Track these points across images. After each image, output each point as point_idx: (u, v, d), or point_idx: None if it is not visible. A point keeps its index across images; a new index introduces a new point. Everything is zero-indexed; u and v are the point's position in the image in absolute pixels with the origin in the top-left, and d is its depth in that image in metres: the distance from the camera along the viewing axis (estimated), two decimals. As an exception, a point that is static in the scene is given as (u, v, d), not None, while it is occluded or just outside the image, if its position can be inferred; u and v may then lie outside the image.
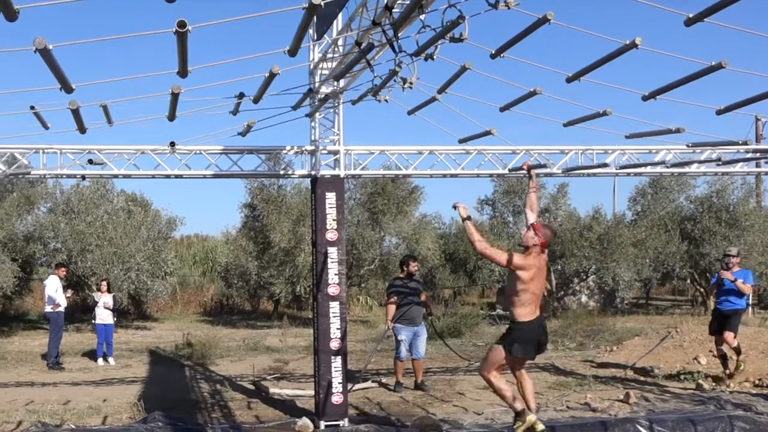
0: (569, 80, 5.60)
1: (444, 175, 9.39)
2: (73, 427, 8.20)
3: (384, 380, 11.50)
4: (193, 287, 28.05)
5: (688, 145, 9.25)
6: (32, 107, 7.83)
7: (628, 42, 4.92)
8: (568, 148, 9.52)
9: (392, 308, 10.69)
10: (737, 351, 10.76)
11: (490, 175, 10.18)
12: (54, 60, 4.44)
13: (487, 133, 8.06)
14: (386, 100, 6.48)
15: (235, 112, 7.28)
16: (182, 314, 24.68)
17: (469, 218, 5.86)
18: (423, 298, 11.00)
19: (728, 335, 10.63)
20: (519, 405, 5.90)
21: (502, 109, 7.11)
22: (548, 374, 12.12)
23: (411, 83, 5.30)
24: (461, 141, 8.83)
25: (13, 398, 10.34)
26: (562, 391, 10.62)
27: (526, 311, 5.71)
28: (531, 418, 5.75)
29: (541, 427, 5.86)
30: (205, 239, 34.95)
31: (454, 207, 6.03)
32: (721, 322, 10.83)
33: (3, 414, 9.09)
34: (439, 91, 6.27)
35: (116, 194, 21.44)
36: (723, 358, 10.90)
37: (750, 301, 12.04)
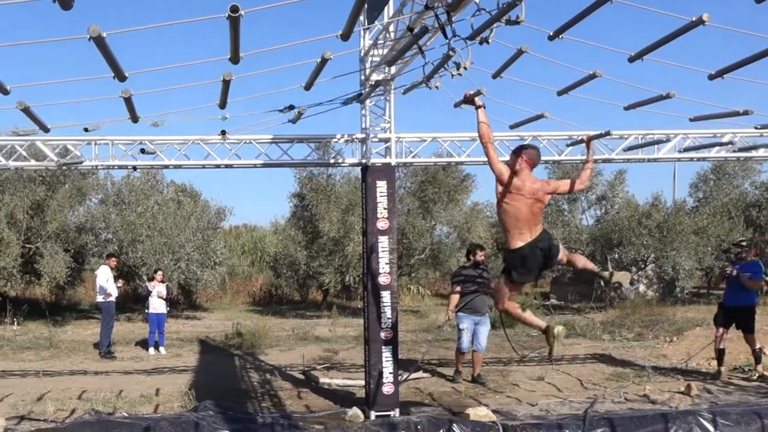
0: (632, 59, 5.47)
1: (498, 162, 9.27)
2: (126, 415, 8.37)
3: (438, 370, 11.56)
4: (242, 277, 28.48)
5: (756, 128, 8.97)
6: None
7: (694, 18, 4.79)
8: (627, 133, 9.32)
9: (455, 297, 10.68)
10: (756, 357, 10.47)
11: (546, 162, 10.02)
12: (108, 48, 4.53)
13: (540, 116, 7.92)
14: (437, 87, 6.42)
15: (283, 110, 7.38)
16: (231, 304, 25.09)
17: (483, 106, 5.61)
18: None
19: (750, 339, 10.42)
20: (543, 323, 5.88)
21: (559, 93, 6.99)
22: (605, 365, 11.97)
23: (465, 67, 5.25)
24: (512, 126, 8.71)
25: (67, 386, 10.63)
26: (620, 382, 10.48)
27: (516, 237, 5.54)
28: (558, 329, 5.69)
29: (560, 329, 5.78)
30: (253, 229, 35.43)
31: (469, 101, 5.56)
32: (728, 318, 10.58)
33: (57, 402, 9.34)
34: (494, 76, 6.20)
35: (166, 185, 21.93)
36: (720, 353, 10.62)
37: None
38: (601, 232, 22.32)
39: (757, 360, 10.51)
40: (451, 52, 5.00)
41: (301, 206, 21.87)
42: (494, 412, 8.26)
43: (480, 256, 10.83)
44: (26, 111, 6.36)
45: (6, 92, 5.34)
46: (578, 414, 8.10)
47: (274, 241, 27.70)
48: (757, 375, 10.46)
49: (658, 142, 9.30)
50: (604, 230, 22.14)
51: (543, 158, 9.60)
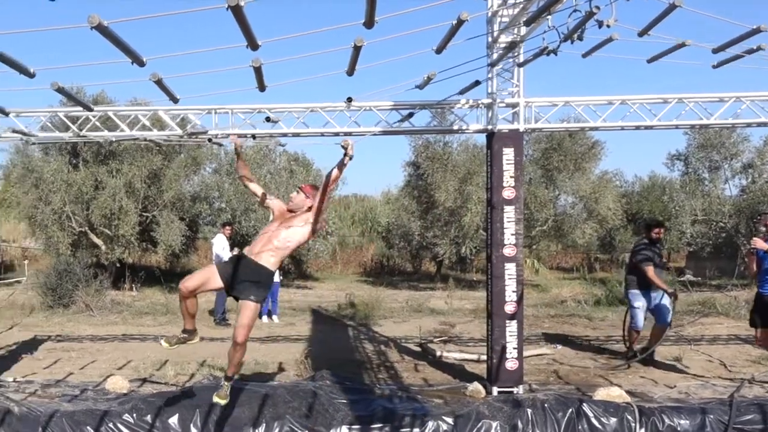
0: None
1: (637, 127, 9.01)
2: (244, 381, 8.82)
3: (560, 347, 11.59)
4: (353, 247, 29.14)
5: None
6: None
7: None
8: (780, 95, 8.83)
9: (651, 273, 10.20)
10: None
11: (692, 127, 9.60)
12: (244, 17, 4.75)
13: (682, 45, 7.32)
14: (554, 53, 6.33)
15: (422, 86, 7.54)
16: (342, 274, 25.75)
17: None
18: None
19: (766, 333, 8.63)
20: (188, 325, 6.08)
21: (714, 51, 6.69)
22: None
23: (608, 25, 5.18)
24: (650, 60, 8.13)
25: (184, 352, 11.31)
26: (769, 366, 10.10)
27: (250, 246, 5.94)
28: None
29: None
30: (363, 199, 36.08)
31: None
32: (764, 312, 8.63)
33: (177, 366, 10.03)
34: (641, 34, 6.03)
35: (279, 154, 22.65)
36: None
37: None
38: (746, 204, 21.28)
39: None
40: (594, 9, 4.93)
41: (416, 175, 22.07)
42: (628, 393, 8.15)
43: (658, 233, 10.55)
44: (159, 83, 6.77)
45: (142, 64, 5.71)
46: (723, 398, 7.93)
47: (386, 211, 28.14)
48: None
49: None
50: (751, 201, 21.09)
51: (688, 122, 9.21)
